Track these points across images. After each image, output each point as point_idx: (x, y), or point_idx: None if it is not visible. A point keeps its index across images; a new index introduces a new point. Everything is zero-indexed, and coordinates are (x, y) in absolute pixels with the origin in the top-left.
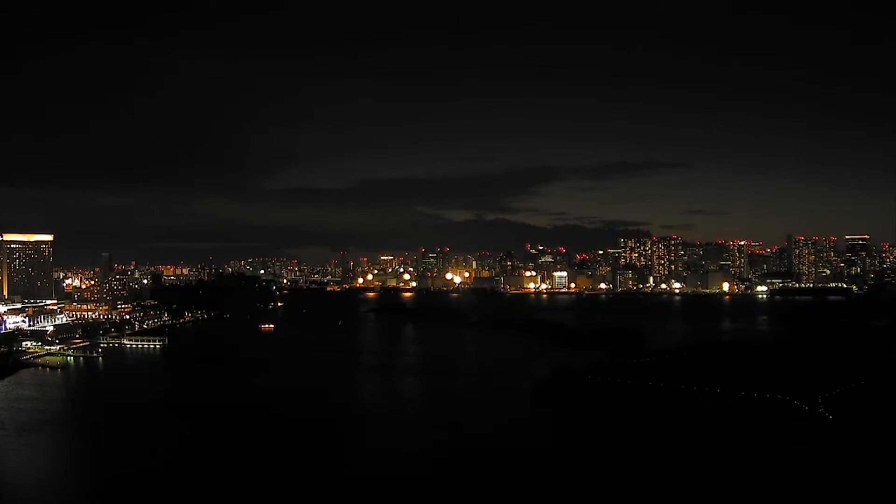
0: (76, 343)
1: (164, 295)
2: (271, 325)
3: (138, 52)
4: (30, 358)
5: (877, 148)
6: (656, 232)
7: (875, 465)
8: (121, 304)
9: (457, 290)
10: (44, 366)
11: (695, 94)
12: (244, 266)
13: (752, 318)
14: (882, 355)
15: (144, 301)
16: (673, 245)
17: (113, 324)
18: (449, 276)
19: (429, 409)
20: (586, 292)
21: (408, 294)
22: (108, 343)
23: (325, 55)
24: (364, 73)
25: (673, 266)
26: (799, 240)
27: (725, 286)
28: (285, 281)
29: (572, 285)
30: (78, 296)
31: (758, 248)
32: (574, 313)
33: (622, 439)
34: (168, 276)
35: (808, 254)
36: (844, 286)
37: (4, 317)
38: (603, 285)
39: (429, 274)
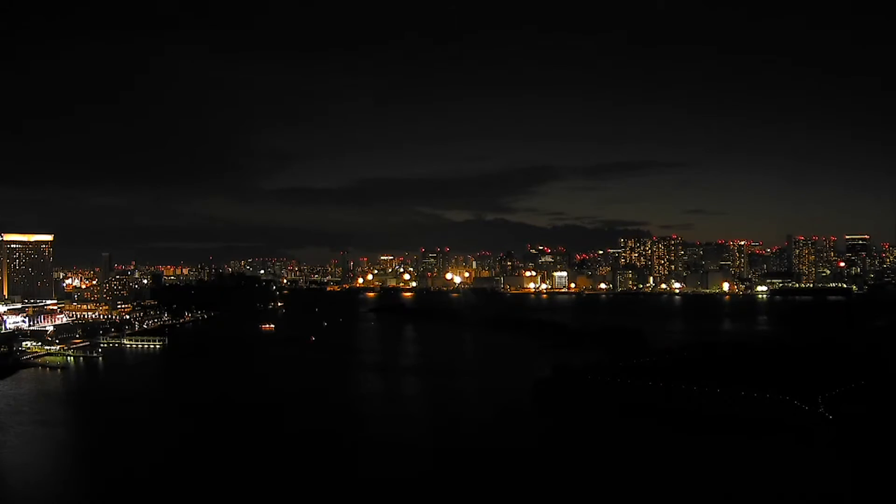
0: (76, 343)
1: (164, 295)
2: (272, 325)
3: (138, 53)
4: (30, 358)
5: (877, 148)
6: (656, 232)
7: (875, 465)
8: (121, 304)
9: (457, 290)
10: (44, 366)
11: (695, 94)
12: (244, 266)
13: (752, 318)
14: (882, 355)
15: (144, 301)
16: (673, 245)
17: (113, 324)
18: (449, 276)
19: (429, 409)
20: (586, 292)
21: (408, 294)
22: (108, 343)
23: (325, 56)
24: (364, 73)
25: (673, 266)
26: (799, 240)
27: (725, 286)
28: (285, 281)
29: (572, 285)
30: (78, 296)
31: (758, 248)
32: (574, 313)
33: (622, 439)
34: (168, 276)
35: (808, 254)
36: (844, 286)
37: (4, 317)
38: (603, 285)
39: (429, 274)
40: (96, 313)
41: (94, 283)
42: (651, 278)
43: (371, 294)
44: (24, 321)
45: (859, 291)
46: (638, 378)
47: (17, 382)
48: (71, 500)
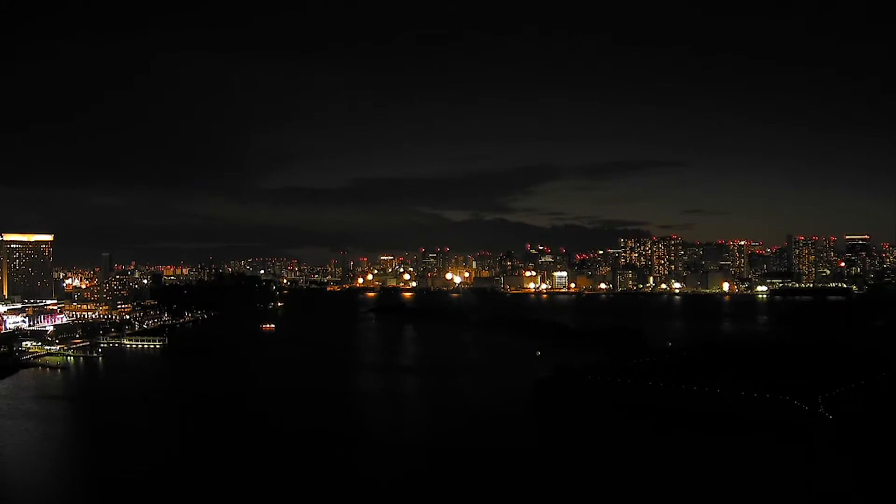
0: (76, 343)
1: (164, 295)
2: (272, 325)
3: (139, 53)
4: (30, 358)
5: (877, 148)
6: (655, 232)
7: (875, 464)
8: (121, 304)
9: (457, 290)
10: (44, 366)
11: (694, 94)
12: (244, 266)
13: (752, 318)
14: (882, 355)
15: (144, 301)
16: (673, 245)
17: (113, 324)
18: (449, 276)
19: (429, 409)
20: (586, 292)
21: (408, 294)
22: (108, 343)
23: (325, 56)
24: (364, 73)
25: (673, 266)
26: (799, 240)
27: (725, 286)
28: (285, 281)
29: (572, 285)
30: (78, 296)
31: (758, 248)
32: (574, 313)
33: (622, 439)
34: (168, 276)
35: (808, 254)
36: (844, 286)
37: (4, 317)
38: (603, 285)
39: (429, 274)
40: (96, 313)
41: (94, 283)
42: (651, 278)
43: (371, 294)
44: (24, 321)
45: (859, 291)
46: (638, 378)
47: (17, 382)
48: (71, 500)
